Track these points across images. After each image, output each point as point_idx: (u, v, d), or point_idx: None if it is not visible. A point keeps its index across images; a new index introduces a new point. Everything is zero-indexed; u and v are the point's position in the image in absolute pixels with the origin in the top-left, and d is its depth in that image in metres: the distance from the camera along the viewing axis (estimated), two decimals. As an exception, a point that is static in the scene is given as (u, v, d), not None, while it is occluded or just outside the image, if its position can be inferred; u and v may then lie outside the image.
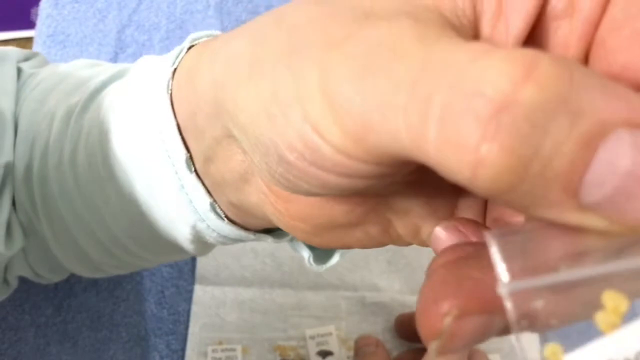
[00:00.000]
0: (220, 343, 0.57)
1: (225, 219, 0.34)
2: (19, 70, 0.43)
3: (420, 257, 0.61)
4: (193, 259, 0.59)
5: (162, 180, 0.34)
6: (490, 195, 0.18)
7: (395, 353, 0.58)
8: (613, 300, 0.18)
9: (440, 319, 0.20)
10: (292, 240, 0.38)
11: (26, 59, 0.45)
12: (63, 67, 0.44)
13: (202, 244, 0.37)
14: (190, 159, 0.32)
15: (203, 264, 0.59)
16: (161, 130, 0.32)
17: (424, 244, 0.28)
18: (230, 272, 0.59)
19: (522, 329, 0.18)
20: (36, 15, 0.69)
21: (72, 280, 0.56)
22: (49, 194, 0.39)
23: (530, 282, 0.18)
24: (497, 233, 0.19)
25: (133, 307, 0.57)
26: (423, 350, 0.53)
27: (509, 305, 0.18)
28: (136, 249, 0.39)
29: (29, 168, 0.40)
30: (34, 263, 0.44)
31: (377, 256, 0.61)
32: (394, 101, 0.19)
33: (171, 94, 0.32)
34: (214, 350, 0.56)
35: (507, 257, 0.19)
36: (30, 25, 0.70)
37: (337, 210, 0.27)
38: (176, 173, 0.33)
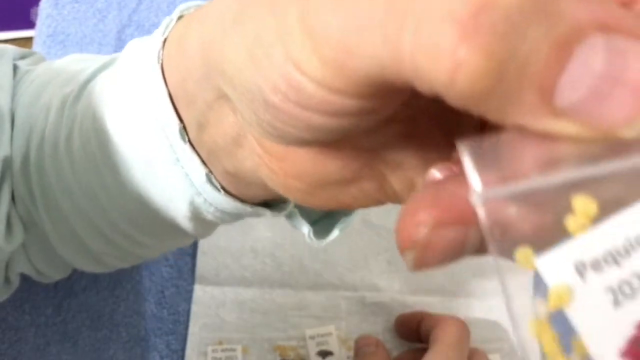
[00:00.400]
0: (220, 343, 0.57)
1: (221, 190, 0.34)
2: (15, 68, 0.44)
3: (421, 257, 0.61)
4: (193, 258, 0.59)
5: (157, 156, 0.34)
6: (466, 103, 0.18)
7: (395, 353, 0.58)
8: (583, 204, 0.18)
9: (416, 228, 0.21)
10: (290, 216, 0.38)
11: (23, 57, 0.46)
12: (58, 63, 0.45)
13: (201, 222, 0.37)
14: (184, 129, 0.32)
15: (203, 264, 0.59)
16: (153, 102, 0.33)
17: None
18: (230, 272, 0.59)
19: (495, 238, 0.19)
20: (36, 15, 0.69)
21: (72, 280, 0.57)
22: (46, 185, 0.39)
23: (503, 190, 0.19)
24: (471, 142, 0.19)
25: (133, 307, 0.58)
26: (423, 351, 0.53)
27: (481, 213, 0.19)
28: (135, 233, 0.40)
29: (25, 160, 0.40)
30: (35, 258, 0.45)
31: (377, 256, 0.61)
32: (371, 19, 0.19)
33: (162, 65, 0.32)
34: (213, 350, 0.56)
35: (480, 166, 0.19)
36: (30, 25, 0.70)
37: (331, 166, 0.28)
38: (171, 146, 0.33)
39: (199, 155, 0.33)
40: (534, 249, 0.19)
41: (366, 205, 0.30)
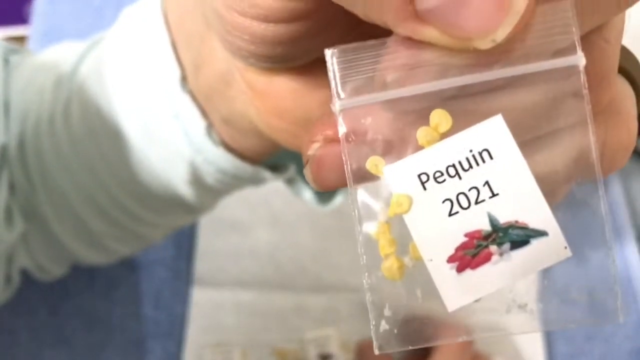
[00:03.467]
0: (218, 346, 0.58)
1: (220, 145, 0.36)
2: (6, 62, 0.46)
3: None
4: (190, 260, 0.60)
5: (156, 116, 0.36)
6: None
7: (398, 356, 0.58)
8: (438, 117, 0.20)
9: (310, 146, 0.23)
10: (291, 182, 0.40)
11: (12, 53, 0.47)
12: (48, 51, 0.47)
13: (201, 188, 0.39)
14: (184, 79, 0.35)
15: (201, 266, 0.60)
16: (155, 53, 0.35)
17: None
18: (228, 273, 0.60)
19: (350, 146, 0.21)
20: (28, 12, 0.71)
21: (67, 282, 0.58)
22: (45, 165, 0.41)
23: (361, 98, 0.21)
24: (337, 50, 0.21)
25: (129, 309, 0.59)
26: (426, 354, 0.54)
27: (340, 121, 0.21)
28: (135, 207, 0.41)
29: (22, 145, 0.42)
30: (36, 251, 0.46)
31: (378, 257, 0.62)
32: None
33: (164, 12, 0.35)
34: (211, 353, 0.57)
35: (343, 75, 0.21)
36: (25, 22, 0.72)
37: (311, 102, 0.29)
38: (170, 101, 0.35)
39: (197, 106, 0.35)
40: (386, 159, 0.21)
41: None
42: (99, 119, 0.38)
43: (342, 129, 0.21)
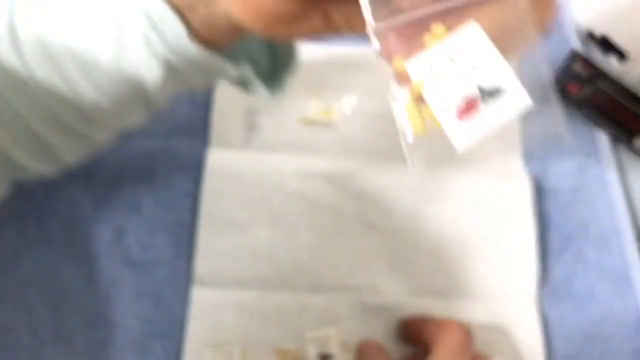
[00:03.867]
0: (218, 346, 0.58)
1: (197, 44, 0.41)
2: None
3: (422, 258, 0.62)
4: (189, 260, 0.61)
5: (133, 27, 0.40)
6: None
7: (396, 356, 0.59)
8: (437, 28, 0.33)
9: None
10: (245, 84, 0.47)
11: None
12: None
13: (170, 83, 0.43)
14: None
15: (200, 266, 0.61)
16: None
17: (355, 30, 0.40)
18: (228, 274, 0.61)
19: (383, 55, 0.34)
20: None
21: (67, 281, 0.58)
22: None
23: (389, 21, 0.34)
24: None
25: (129, 309, 0.59)
26: (426, 354, 0.54)
27: (374, 40, 0.34)
28: (98, 114, 0.44)
29: None
30: None
31: (378, 257, 0.62)
32: None
33: None
34: (211, 353, 0.57)
35: (373, 8, 0.34)
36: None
37: (287, 3, 0.38)
38: (150, 11, 0.39)
39: (178, 15, 0.40)
40: (405, 59, 0.34)
41: (316, 36, 0.41)
42: (60, 40, 0.41)
43: (376, 45, 0.34)
